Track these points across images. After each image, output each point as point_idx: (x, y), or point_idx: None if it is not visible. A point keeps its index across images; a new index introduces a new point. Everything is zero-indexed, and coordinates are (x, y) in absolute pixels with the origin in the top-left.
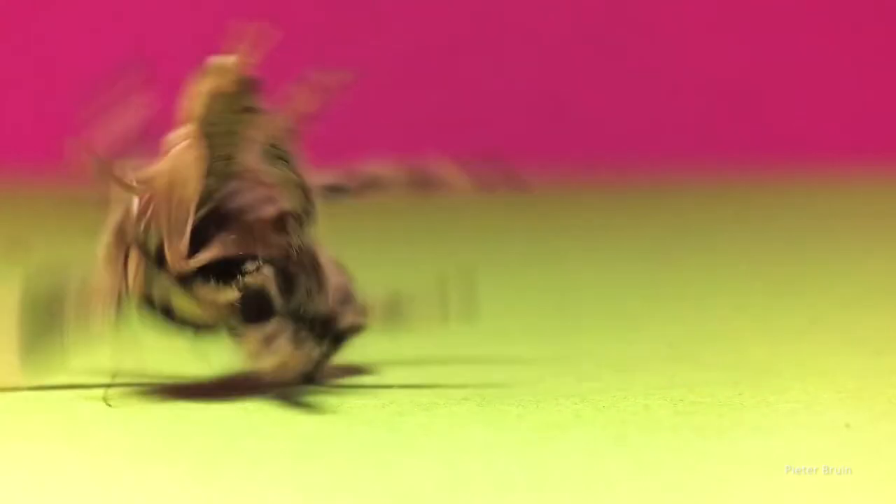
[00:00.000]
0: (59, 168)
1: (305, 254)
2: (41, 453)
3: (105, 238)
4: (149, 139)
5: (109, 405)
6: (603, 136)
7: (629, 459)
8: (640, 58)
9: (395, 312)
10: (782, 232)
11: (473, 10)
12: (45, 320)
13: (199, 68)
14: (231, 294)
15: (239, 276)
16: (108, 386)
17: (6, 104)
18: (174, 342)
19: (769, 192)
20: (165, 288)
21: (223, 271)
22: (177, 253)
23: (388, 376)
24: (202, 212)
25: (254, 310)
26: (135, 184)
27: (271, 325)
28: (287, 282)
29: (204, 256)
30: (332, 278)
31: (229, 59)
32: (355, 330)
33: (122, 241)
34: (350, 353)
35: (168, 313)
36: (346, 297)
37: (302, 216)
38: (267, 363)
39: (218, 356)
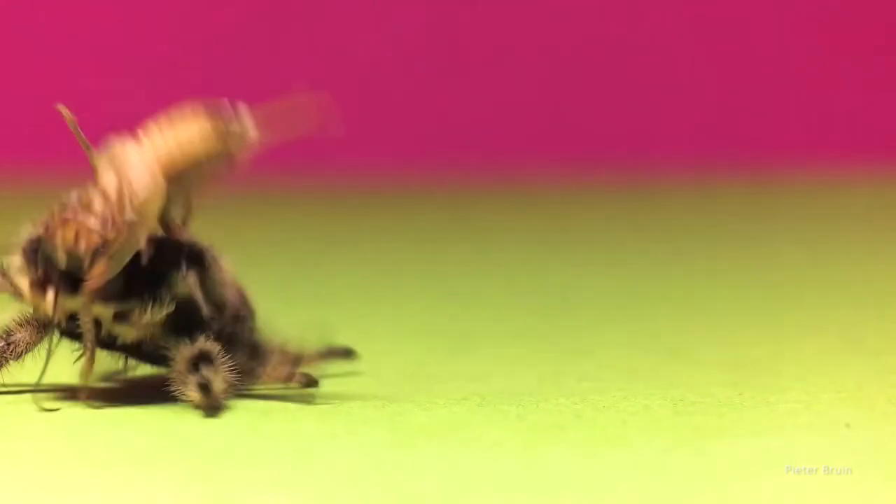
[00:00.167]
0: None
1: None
2: (41, 453)
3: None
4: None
5: (93, 404)
6: (603, 136)
7: (629, 459)
8: (641, 57)
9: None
10: (783, 232)
11: (474, 12)
12: None
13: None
14: (161, 309)
15: (165, 288)
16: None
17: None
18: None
19: (769, 192)
20: (87, 308)
21: (144, 286)
22: (100, 274)
23: (388, 376)
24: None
25: (184, 322)
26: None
27: (202, 344)
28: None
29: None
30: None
31: (241, 127)
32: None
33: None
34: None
35: (94, 335)
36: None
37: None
38: (194, 389)
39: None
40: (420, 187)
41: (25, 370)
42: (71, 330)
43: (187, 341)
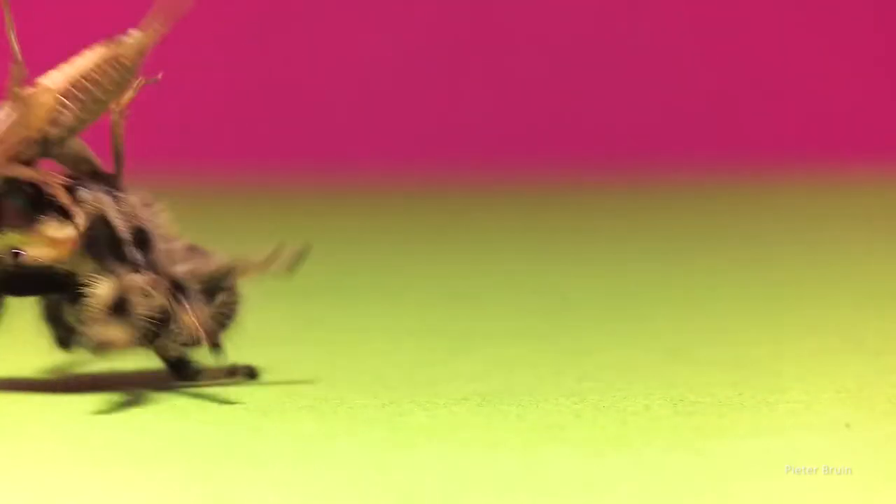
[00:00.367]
0: None
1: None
2: (41, 453)
3: None
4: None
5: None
6: (603, 135)
7: (629, 459)
8: (641, 57)
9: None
10: (783, 232)
11: (474, 12)
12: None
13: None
14: (74, 226)
15: (78, 207)
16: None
17: None
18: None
19: (769, 192)
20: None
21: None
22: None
23: (388, 376)
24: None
25: (104, 243)
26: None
27: (129, 272)
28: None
29: (23, 171)
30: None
31: (135, 35)
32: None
33: None
34: (349, 353)
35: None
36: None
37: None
38: (107, 328)
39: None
40: (420, 187)
41: (26, 369)
42: None
43: (106, 273)
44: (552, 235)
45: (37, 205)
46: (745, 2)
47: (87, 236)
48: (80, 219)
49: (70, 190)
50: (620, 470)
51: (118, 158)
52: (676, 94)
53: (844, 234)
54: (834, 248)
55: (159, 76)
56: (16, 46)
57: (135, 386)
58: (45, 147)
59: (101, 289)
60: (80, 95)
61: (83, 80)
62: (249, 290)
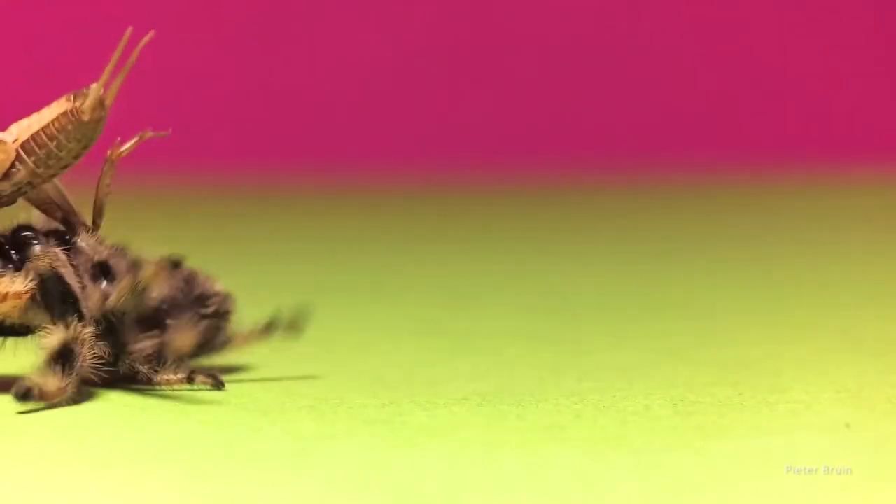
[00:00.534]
0: None
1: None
2: (41, 453)
3: None
4: None
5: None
6: (603, 135)
7: (629, 459)
8: (641, 57)
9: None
10: (782, 232)
11: (474, 12)
12: None
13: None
14: (26, 282)
15: (28, 262)
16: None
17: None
18: None
19: (769, 192)
20: None
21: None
22: None
23: (388, 376)
24: None
25: (56, 295)
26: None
27: (67, 334)
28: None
29: None
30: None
31: (94, 89)
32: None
33: None
34: (349, 353)
35: None
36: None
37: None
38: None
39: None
40: (420, 187)
41: (26, 369)
42: None
43: (56, 322)
44: (552, 235)
45: None
46: (745, 2)
47: (39, 290)
48: (31, 276)
49: (23, 245)
50: (620, 470)
51: (98, 207)
52: (676, 94)
53: (844, 234)
54: (834, 248)
55: (168, 131)
56: None
57: (135, 386)
58: None
59: (50, 339)
60: (37, 150)
61: (41, 134)
62: (250, 288)
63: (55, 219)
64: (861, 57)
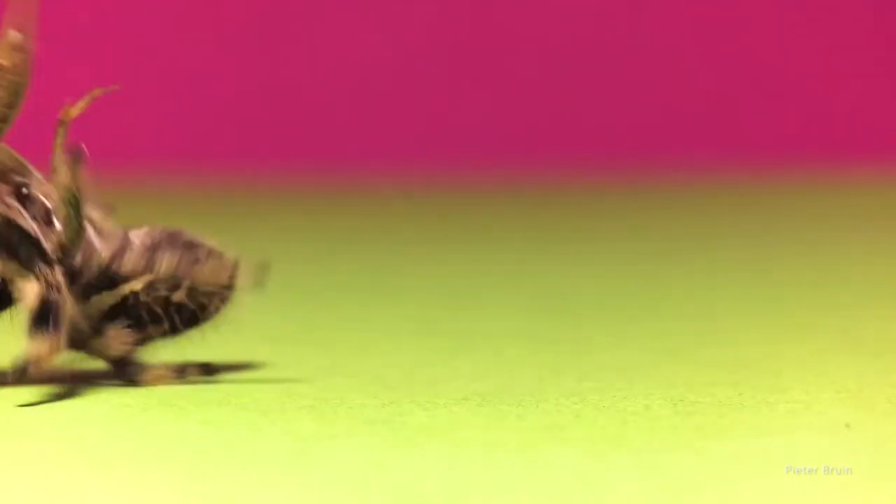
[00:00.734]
0: None
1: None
2: (41, 453)
3: None
4: None
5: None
6: (603, 136)
7: (629, 459)
8: (641, 57)
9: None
10: (782, 232)
11: (474, 13)
12: None
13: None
14: None
15: None
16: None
17: None
18: None
19: (769, 192)
20: None
21: None
22: None
23: (388, 376)
24: None
25: (16, 240)
26: None
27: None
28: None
29: None
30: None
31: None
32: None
33: None
34: (349, 353)
35: None
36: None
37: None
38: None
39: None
40: (420, 187)
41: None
42: None
43: (25, 272)
44: (552, 235)
45: None
46: (745, 2)
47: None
48: None
49: None
50: (620, 470)
51: (55, 167)
52: (676, 94)
53: (844, 234)
54: (834, 248)
55: (117, 86)
56: None
57: (135, 386)
58: None
59: (28, 297)
60: None
61: None
62: (250, 290)
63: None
64: (861, 57)
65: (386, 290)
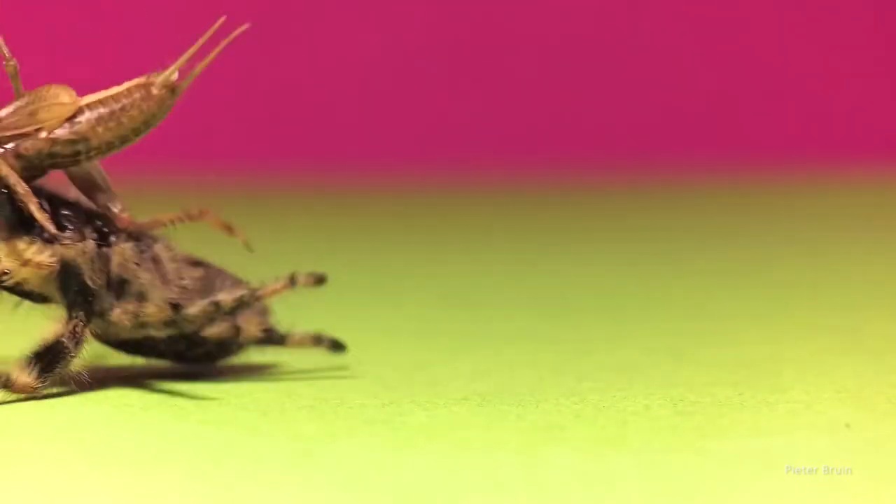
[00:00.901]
0: None
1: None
2: (41, 453)
3: None
4: None
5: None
6: (603, 135)
7: (629, 459)
8: (641, 56)
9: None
10: (782, 232)
11: (474, 11)
12: None
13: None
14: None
15: (58, 243)
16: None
17: None
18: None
19: (769, 192)
20: None
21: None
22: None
23: (388, 376)
24: None
25: (71, 284)
26: None
27: (56, 333)
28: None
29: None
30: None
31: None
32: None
33: None
34: (349, 353)
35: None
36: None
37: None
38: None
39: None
40: (420, 187)
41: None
42: None
43: (66, 306)
44: (552, 235)
45: (24, 221)
46: (745, 2)
47: (58, 273)
48: (56, 255)
49: (58, 222)
50: (620, 470)
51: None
52: (676, 94)
53: (844, 234)
54: (834, 248)
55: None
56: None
57: (135, 386)
58: (50, 154)
59: (51, 326)
60: (101, 109)
61: (109, 97)
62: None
63: (95, 203)
64: (861, 57)
65: (386, 290)
